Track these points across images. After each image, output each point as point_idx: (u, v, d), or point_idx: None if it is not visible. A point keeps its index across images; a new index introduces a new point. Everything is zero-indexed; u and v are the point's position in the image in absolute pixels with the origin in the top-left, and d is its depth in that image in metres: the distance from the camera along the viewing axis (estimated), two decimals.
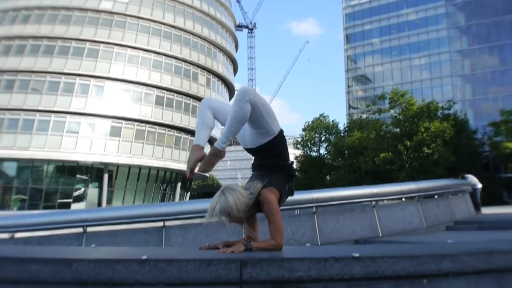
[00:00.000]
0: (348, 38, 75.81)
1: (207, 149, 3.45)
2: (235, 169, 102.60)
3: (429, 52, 66.06)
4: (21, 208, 36.38)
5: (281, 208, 3.60)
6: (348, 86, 75.33)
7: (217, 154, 3.46)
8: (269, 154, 3.58)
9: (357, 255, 2.67)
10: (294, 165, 56.18)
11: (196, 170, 3.24)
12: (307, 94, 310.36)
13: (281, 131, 3.57)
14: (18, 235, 8.38)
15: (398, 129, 48.58)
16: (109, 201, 39.75)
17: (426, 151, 44.97)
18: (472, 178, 17.52)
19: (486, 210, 17.96)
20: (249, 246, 3.22)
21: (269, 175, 3.50)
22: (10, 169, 38.17)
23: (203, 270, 2.55)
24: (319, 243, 8.48)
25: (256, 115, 3.38)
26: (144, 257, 2.57)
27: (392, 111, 49.22)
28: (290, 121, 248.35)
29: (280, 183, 3.51)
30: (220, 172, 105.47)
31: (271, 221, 3.37)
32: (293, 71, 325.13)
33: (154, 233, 8.03)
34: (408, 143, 46.27)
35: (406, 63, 68.59)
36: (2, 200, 37.65)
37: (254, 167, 3.73)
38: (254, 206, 3.40)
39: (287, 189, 3.59)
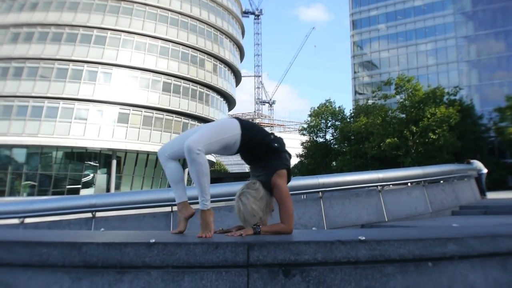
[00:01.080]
0: (354, 24, 75.21)
1: None
2: None
3: (435, 38, 65.54)
4: (30, 194, 36.67)
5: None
6: (354, 72, 74.93)
7: (208, 214, 3.39)
8: (251, 148, 3.59)
9: (363, 238, 2.70)
10: (300, 151, 56.26)
11: (198, 235, 3.22)
12: (314, 80, 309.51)
13: (240, 122, 3.56)
14: (28, 220, 8.45)
15: (404, 115, 48.31)
16: (117, 187, 39.96)
17: (431, 136, 44.78)
18: (478, 163, 17.47)
19: (491, 195, 17.94)
20: (258, 230, 3.25)
21: (268, 165, 3.53)
22: (20, 156, 38.39)
23: (210, 253, 2.59)
24: (325, 228, 8.50)
25: (217, 146, 3.46)
26: (153, 240, 2.61)
27: (398, 97, 48.91)
28: (298, 107, 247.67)
29: (281, 162, 3.55)
30: (226, 158, 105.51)
31: (281, 205, 3.41)
32: (300, 57, 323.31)
33: (162, 218, 8.09)
34: (414, 128, 46.09)
35: (412, 48, 68.10)
36: (12, 187, 37.88)
37: (252, 170, 3.71)
38: (269, 195, 3.45)
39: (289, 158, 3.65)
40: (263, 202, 3.36)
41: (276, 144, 3.55)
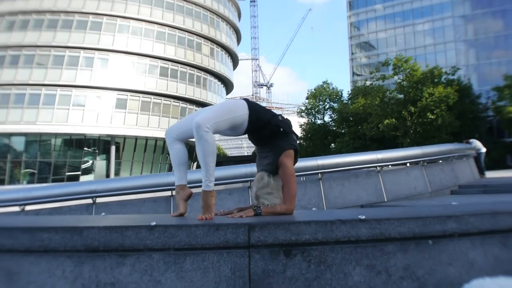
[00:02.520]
0: (351, 5, 74.51)
1: None
2: (241, 139, 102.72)
3: (433, 18, 65.07)
4: (30, 182, 36.60)
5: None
6: (352, 53, 74.51)
7: (210, 196, 3.41)
8: (259, 128, 3.60)
9: (363, 217, 2.72)
10: (299, 133, 56.23)
11: (199, 217, 3.20)
12: (313, 62, 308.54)
13: (248, 103, 3.59)
14: (29, 207, 8.48)
15: (402, 95, 48.18)
16: (117, 173, 39.96)
17: (430, 116, 44.73)
18: (476, 143, 17.51)
19: (490, 174, 18.01)
20: (258, 211, 3.26)
21: (275, 145, 3.57)
22: (18, 144, 38.33)
23: (211, 234, 2.60)
24: (325, 209, 8.54)
25: (225, 126, 3.46)
26: (154, 223, 2.62)
27: (396, 77, 48.72)
28: (298, 89, 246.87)
29: (289, 142, 3.59)
30: (225, 142, 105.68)
31: (285, 185, 3.45)
32: (298, 39, 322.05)
33: (162, 202, 8.12)
34: (412, 109, 46.02)
35: (409, 29, 67.64)
36: (12, 175, 37.88)
37: (259, 151, 3.76)
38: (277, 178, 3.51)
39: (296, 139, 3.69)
40: (276, 187, 3.46)
41: (281, 128, 3.57)
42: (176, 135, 3.63)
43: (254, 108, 3.57)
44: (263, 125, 3.56)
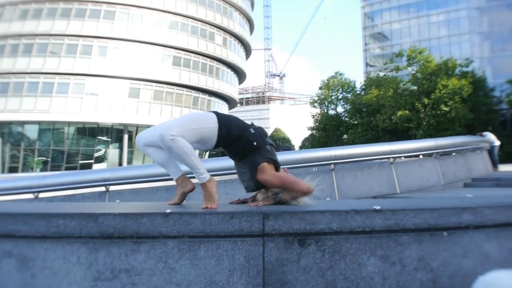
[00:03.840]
0: None
1: None
2: None
3: (447, 9, 64.39)
4: (43, 170, 36.86)
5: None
6: (366, 44, 74.07)
7: (210, 185, 3.32)
8: (230, 144, 3.45)
9: (378, 207, 2.71)
10: (312, 124, 56.05)
11: (203, 206, 3.15)
12: (326, 52, 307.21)
13: (217, 116, 3.41)
14: (42, 195, 8.52)
15: (415, 87, 47.98)
16: (129, 161, 40.19)
17: (443, 108, 44.50)
18: (490, 136, 17.36)
19: (503, 168, 17.87)
20: (277, 199, 3.24)
21: (249, 161, 3.40)
22: (32, 132, 38.67)
23: (226, 222, 2.61)
24: (337, 199, 8.53)
25: (192, 137, 3.28)
26: (168, 210, 2.64)
27: (409, 69, 48.49)
28: (311, 80, 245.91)
29: (261, 156, 3.39)
30: None
31: (284, 185, 3.31)
32: (311, 30, 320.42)
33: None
34: (426, 100, 45.80)
35: (424, 20, 66.99)
36: (25, 163, 38.26)
37: (237, 166, 3.61)
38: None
39: (270, 149, 3.48)
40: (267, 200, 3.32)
41: (254, 143, 3.37)
42: (144, 143, 3.50)
43: (224, 121, 3.37)
44: (234, 140, 3.39)
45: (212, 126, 3.32)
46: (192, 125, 3.29)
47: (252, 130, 3.42)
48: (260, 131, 3.48)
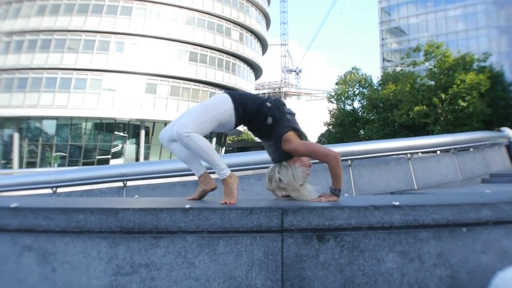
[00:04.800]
0: None
1: None
2: None
3: (465, 3, 63.80)
4: (61, 165, 37.25)
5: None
6: (382, 39, 73.66)
7: (230, 181, 3.33)
8: (249, 121, 3.47)
9: (397, 203, 2.70)
10: (328, 119, 55.84)
11: (221, 202, 3.15)
12: (342, 48, 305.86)
13: (231, 96, 3.42)
14: (60, 190, 8.58)
15: (433, 82, 47.45)
16: (146, 157, 40.41)
17: (461, 104, 44.00)
18: (508, 131, 17.14)
19: None
20: (337, 193, 3.32)
21: (273, 135, 3.41)
22: (50, 127, 39.08)
23: (245, 218, 2.62)
24: (354, 196, 8.51)
25: (211, 125, 3.33)
26: (188, 206, 2.66)
27: (427, 64, 47.94)
28: (328, 75, 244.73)
29: (283, 126, 3.39)
30: None
31: (313, 155, 3.42)
32: (328, 24, 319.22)
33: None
34: (443, 95, 45.33)
35: (441, 14, 66.45)
36: (43, 158, 38.66)
37: (263, 141, 3.62)
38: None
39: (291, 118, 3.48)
40: (288, 179, 3.40)
41: (272, 112, 3.39)
42: (167, 139, 3.56)
43: (238, 100, 3.38)
44: (252, 116, 3.40)
45: (228, 108, 3.34)
46: (208, 114, 3.31)
47: (268, 104, 3.43)
48: (277, 103, 3.48)
